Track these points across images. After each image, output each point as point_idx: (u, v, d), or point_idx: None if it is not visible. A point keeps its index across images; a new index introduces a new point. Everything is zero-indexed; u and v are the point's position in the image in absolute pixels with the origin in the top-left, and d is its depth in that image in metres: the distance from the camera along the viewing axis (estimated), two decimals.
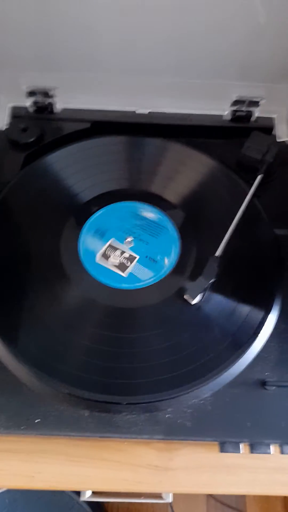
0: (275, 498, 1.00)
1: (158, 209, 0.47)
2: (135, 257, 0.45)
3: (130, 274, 0.44)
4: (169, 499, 0.51)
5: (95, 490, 0.41)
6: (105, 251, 0.44)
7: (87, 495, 0.51)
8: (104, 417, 0.37)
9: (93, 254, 0.45)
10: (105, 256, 0.44)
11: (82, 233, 0.46)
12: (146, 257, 0.45)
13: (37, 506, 0.75)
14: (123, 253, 0.45)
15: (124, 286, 0.43)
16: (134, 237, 0.46)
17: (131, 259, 0.44)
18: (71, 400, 0.38)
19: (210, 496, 1.00)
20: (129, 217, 0.47)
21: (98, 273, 0.44)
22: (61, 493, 0.74)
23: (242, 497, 1.03)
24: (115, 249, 0.45)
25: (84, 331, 0.40)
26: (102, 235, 0.46)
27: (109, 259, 0.44)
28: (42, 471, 0.41)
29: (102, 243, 0.45)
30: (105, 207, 0.47)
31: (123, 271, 0.43)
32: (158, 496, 0.52)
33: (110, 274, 0.44)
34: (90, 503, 0.74)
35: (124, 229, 0.46)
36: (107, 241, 0.45)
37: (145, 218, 0.47)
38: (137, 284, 0.43)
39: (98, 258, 0.44)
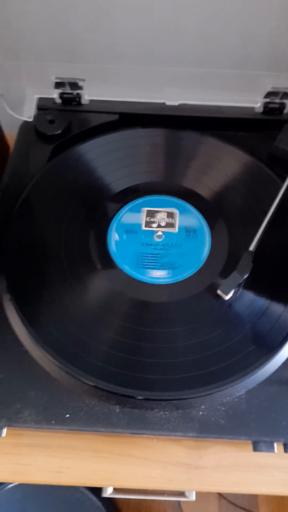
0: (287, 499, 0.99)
1: (197, 210, 0.46)
2: (176, 212, 0.44)
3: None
4: (193, 497, 0.50)
5: (123, 487, 0.40)
6: (146, 218, 0.44)
7: (108, 492, 0.51)
8: (135, 413, 0.37)
9: (123, 246, 0.44)
10: (149, 222, 0.43)
11: (111, 226, 0.45)
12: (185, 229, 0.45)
13: (49, 501, 0.75)
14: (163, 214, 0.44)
15: (155, 281, 0.42)
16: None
17: (172, 215, 0.44)
18: (100, 395, 0.37)
19: (221, 496, 0.99)
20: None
21: (131, 266, 0.43)
22: (73, 488, 0.74)
23: (254, 498, 1.02)
24: (154, 212, 0.44)
25: (117, 326, 0.39)
26: (132, 231, 0.45)
27: (155, 222, 0.43)
28: (70, 466, 0.40)
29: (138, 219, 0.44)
30: (131, 202, 0.46)
31: (173, 227, 0.43)
32: (182, 494, 0.51)
33: (141, 267, 0.43)
34: (102, 499, 0.74)
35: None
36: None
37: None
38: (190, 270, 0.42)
39: (144, 226, 0.44)
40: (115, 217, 0.45)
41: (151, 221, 0.44)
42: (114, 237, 0.44)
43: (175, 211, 0.44)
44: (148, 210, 0.44)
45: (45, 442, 0.41)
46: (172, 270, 0.43)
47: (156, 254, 0.44)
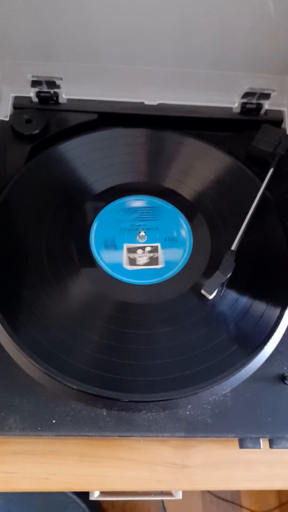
0: (269, 490, 1.01)
1: (144, 195, 0.47)
2: (157, 246, 0.44)
3: (165, 262, 0.43)
4: (179, 496, 0.50)
5: (112, 490, 0.40)
6: (128, 257, 0.43)
7: (95, 495, 0.50)
8: (123, 416, 0.36)
9: (102, 247, 0.44)
10: (132, 262, 0.43)
11: (92, 227, 0.45)
12: (165, 239, 0.44)
13: (33, 505, 0.74)
14: (144, 249, 0.44)
15: (138, 281, 0.42)
16: (144, 230, 0.45)
17: (154, 250, 0.44)
18: (86, 398, 0.37)
19: (205, 491, 1.00)
20: (124, 214, 0.46)
21: (98, 248, 0.43)
22: (58, 492, 0.73)
23: (237, 490, 1.04)
24: (135, 249, 0.43)
25: (101, 328, 0.39)
26: (112, 244, 0.44)
27: (137, 262, 0.43)
28: (57, 472, 0.40)
29: (118, 252, 0.44)
30: (97, 217, 0.45)
31: (157, 264, 0.43)
32: (168, 493, 0.52)
33: (109, 254, 0.43)
34: (87, 501, 0.74)
35: (127, 228, 0.45)
36: (120, 249, 0.44)
37: (137, 208, 0.46)
38: (172, 270, 0.42)
39: (126, 266, 0.43)
40: (96, 218, 0.45)
41: (133, 258, 0.43)
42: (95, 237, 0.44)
43: (158, 246, 0.44)
44: (127, 247, 0.43)
45: (31, 448, 0.40)
46: (155, 271, 0.43)
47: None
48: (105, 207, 0.45)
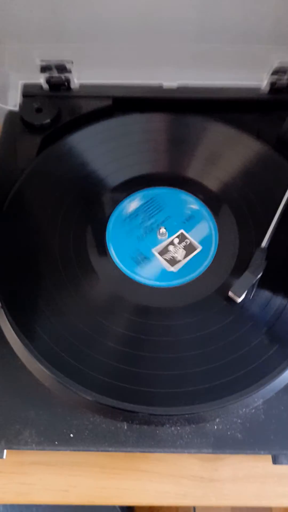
0: None
1: (192, 195, 0.43)
2: (181, 232, 0.41)
3: (201, 241, 0.41)
4: None
5: (134, 504, 0.38)
6: (165, 259, 0.40)
7: None
8: (145, 430, 0.34)
9: (121, 240, 0.41)
10: (172, 261, 0.40)
11: (109, 224, 0.42)
12: (184, 222, 0.42)
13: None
14: (173, 242, 0.41)
15: (161, 283, 0.39)
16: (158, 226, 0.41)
17: (182, 238, 0.41)
18: (106, 411, 0.34)
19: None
20: (130, 223, 0.42)
21: (131, 268, 0.39)
22: None
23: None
24: (166, 249, 0.40)
25: (120, 335, 0.36)
26: (141, 258, 0.41)
27: (176, 258, 0.40)
28: (77, 484, 0.38)
29: (154, 261, 0.40)
30: (107, 240, 0.41)
31: (195, 249, 0.40)
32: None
33: (147, 269, 0.40)
34: None
35: (143, 234, 0.42)
36: (152, 256, 0.41)
37: (138, 209, 0.42)
38: (178, 280, 0.39)
39: (172, 268, 0.39)
40: (113, 213, 0.42)
41: (170, 257, 0.40)
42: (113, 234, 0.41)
43: (182, 232, 0.40)
44: (157, 251, 0.40)
45: (50, 459, 0.39)
46: (177, 271, 0.39)
47: None
48: (108, 225, 0.42)
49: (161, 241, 0.41)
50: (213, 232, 0.41)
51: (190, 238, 0.41)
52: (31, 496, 0.38)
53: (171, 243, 0.41)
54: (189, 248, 0.40)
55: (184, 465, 0.38)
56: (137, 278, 0.39)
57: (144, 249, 0.40)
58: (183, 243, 0.40)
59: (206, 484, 0.38)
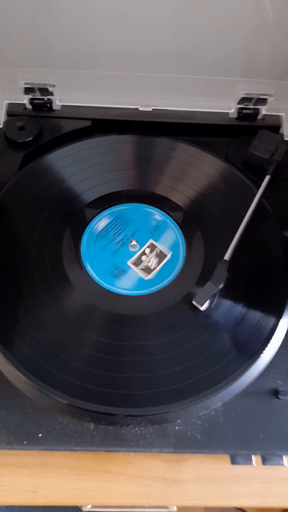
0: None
1: (154, 207, 0.46)
2: (151, 242, 0.43)
3: (170, 247, 0.43)
4: (174, 508, 0.49)
5: (100, 504, 0.39)
6: (141, 269, 0.42)
7: (88, 507, 0.50)
8: (110, 430, 0.36)
9: (96, 257, 0.43)
10: (147, 269, 0.42)
11: (84, 237, 0.44)
12: (151, 232, 0.44)
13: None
14: (145, 252, 0.43)
15: (128, 292, 0.41)
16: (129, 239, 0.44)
17: (152, 247, 0.43)
18: (74, 412, 0.36)
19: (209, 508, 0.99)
20: (102, 241, 0.45)
21: (103, 277, 0.42)
22: None
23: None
24: (140, 259, 0.43)
25: (87, 339, 0.38)
26: (118, 271, 0.43)
27: (151, 266, 0.42)
28: (45, 485, 0.39)
29: (130, 273, 0.43)
30: (83, 258, 0.44)
31: (166, 256, 0.43)
32: (164, 506, 0.51)
33: (125, 280, 0.42)
34: None
35: (116, 249, 0.44)
36: (128, 268, 0.43)
37: (107, 227, 0.45)
38: (165, 280, 0.42)
39: (148, 276, 0.42)
40: (85, 232, 0.44)
41: (145, 266, 0.43)
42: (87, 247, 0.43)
43: (151, 242, 0.43)
44: (132, 263, 0.43)
45: (19, 461, 0.40)
46: (153, 278, 0.42)
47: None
48: (81, 245, 0.44)
49: (134, 253, 0.43)
50: (179, 238, 0.44)
51: (160, 246, 0.43)
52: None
53: (143, 253, 0.43)
54: (161, 256, 0.43)
55: (149, 466, 0.40)
56: (117, 290, 0.41)
57: (119, 263, 0.43)
58: (154, 252, 0.43)
59: (169, 485, 0.39)
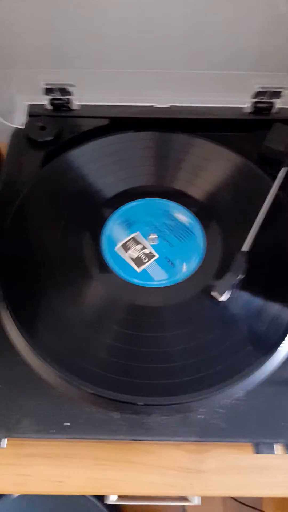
0: None
1: (191, 212, 0.46)
2: (154, 256, 0.44)
3: (144, 270, 0.43)
4: (195, 501, 0.50)
5: (124, 494, 0.40)
6: (126, 242, 0.43)
7: (111, 499, 0.51)
8: (135, 419, 0.36)
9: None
10: (125, 247, 0.43)
11: (104, 231, 0.45)
12: (166, 258, 0.44)
13: (54, 509, 0.75)
14: (143, 249, 0.44)
15: (151, 284, 0.42)
16: (159, 235, 0.44)
17: (150, 256, 0.43)
18: (100, 402, 0.37)
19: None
20: (160, 215, 0.46)
21: (125, 270, 0.43)
22: (79, 495, 0.73)
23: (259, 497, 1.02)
24: (137, 243, 0.44)
25: (114, 332, 0.39)
26: (129, 226, 0.45)
27: (128, 251, 0.43)
28: (71, 475, 0.40)
29: (127, 234, 0.44)
30: (137, 201, 0.46)
31: (138, 266, 0.43)
32: (184, 498, 0.51)
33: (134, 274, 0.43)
34: (108, 506, 0.74)
35: (152, 226, 0.45)
36: (132, 232, 0.44)
37: (175, 219, 0.45)
38: (148, 282, 0.42)
39: (118, 247, 0.43)
40: (108, 221, 0.45)
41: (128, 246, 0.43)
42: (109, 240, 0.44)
43: (155, 255, 0.44)
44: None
45: (46, 451, 0.41)
46: (167, 273, 0.43)
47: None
48: (103, 232, 0.45)
49: (145, 239, 0.44)
50: (201, 238, 0.45)
51: (148, 265, 0.43)
52: (27, 486, 0.40)
53: (143, 247, 0.44)
54: (137, 261, 0.43)
55: (172, 457, 0.40)
56: (134, 281, 0.42)
57: (137, 225, 0.44)
58: (143, 256, 0.44)
59: (192, 475, 0.40)
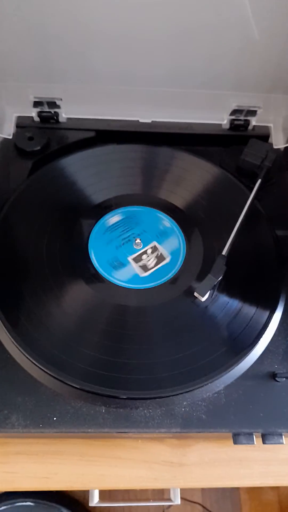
0: (270, 500, 1.00)
1: (174, 220, 0.49)
2: (154, 244, 0.47)
3: (171, 253, 0.46)
4: (178, 501, 0.51)
5: (111, 488, 0.41)
6: (138, 266, 0.45)
7: (95, 501, 0.51)
8: (121, 413, 0.38)
9: (104, 253, 0.46)
10: (144, 267, 0.45)
11: (91, 236, 0.47)
12: (157, 235, 0.48)
13: None
14: (147, 252, 0.47)
15: (135, 286, 0.44)
16: (143, 241, 0.47)
17: (154, 249, 0.46)
18: (86, 396, 0.38)
19: (205, 509, 1.00)
20: (144, 222, 0.49)
21: (108, 272, 0.45)
22: (56, 509, 0.73)
23: (237, 509, 1.03)
24: (140, 257, 0.46)
25: (100, 330, 0.41)
26: (111, 231, 0.47)
27: (148, 266, 0.46)
28: (58, 471, 0.41)
29: (114, 239, 0.47)
30: (121, 208, 0.49)
31: (164, 259, 0.46)
32: (167, 499, 0.52)
33: (121, 273, 0.45)
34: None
35: (137, 232, 0.48)
36: (118, 237, 0.47)
37: (159, 227, 0.48)
38: (151, 283, 0.45)
39: (143, 274, 0.45)
40: (94, 227, 0.48)
41: (143, 264, 0.46)
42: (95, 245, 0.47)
43: (155, 244, 0.47)
44: (132, 259, 0.46)
45: (32, 449, 0.42)
46: (147, 276, 0.45)
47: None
48: (91, 234, 0.47)
49: (137, 250, 0.47)
50: (181, 245, 0.47)
51: (162, 249, 0.47)
52: (13, 483, 0.41)
53: (145, 252, 0.47)
54: (160, 258, 0.46)
55: (156, 451, 0.42)
56: (113, 280, 0.44)
57: (121, 257, 0.46)
58: (155, 253, 0.46)
59: (175, 468, 0.42)
